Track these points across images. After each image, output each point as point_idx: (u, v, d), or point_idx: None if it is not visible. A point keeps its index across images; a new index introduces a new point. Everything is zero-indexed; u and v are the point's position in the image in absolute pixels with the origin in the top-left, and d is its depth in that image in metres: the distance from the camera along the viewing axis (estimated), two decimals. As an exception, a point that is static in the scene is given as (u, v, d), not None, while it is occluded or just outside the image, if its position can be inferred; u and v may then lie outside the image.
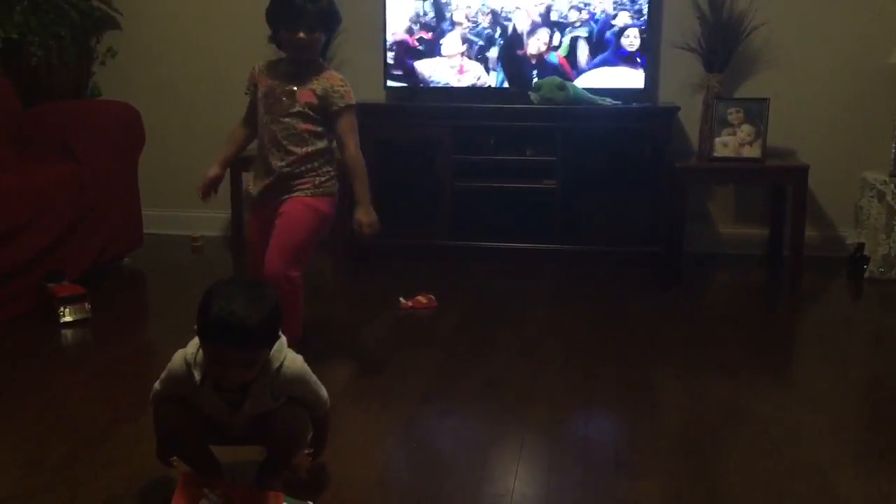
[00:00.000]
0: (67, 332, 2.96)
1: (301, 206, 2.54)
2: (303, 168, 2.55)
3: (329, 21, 2.52)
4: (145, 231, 3.92)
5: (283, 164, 2.54)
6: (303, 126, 2.53)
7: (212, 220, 4.37)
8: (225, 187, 4.05)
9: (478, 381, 2.56)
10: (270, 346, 1.72)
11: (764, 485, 1.95)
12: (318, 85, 2.53)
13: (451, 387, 2.52)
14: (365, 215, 2.57)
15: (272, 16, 2.53)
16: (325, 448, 1.96)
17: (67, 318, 3.00)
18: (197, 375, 1.72)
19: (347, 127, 2.55)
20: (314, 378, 1.85)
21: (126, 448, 2.09)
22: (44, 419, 2.26)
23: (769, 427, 2.27)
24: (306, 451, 1.94)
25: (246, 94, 2.67)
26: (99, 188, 3.51)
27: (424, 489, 1.92)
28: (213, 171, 2.67)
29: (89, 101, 4.16)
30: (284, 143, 2.53)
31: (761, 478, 1.98)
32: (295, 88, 2.53)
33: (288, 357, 1.78)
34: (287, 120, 2.53)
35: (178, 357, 1.76)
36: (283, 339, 1.80)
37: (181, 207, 4.44)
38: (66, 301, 3.01)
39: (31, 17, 3.92)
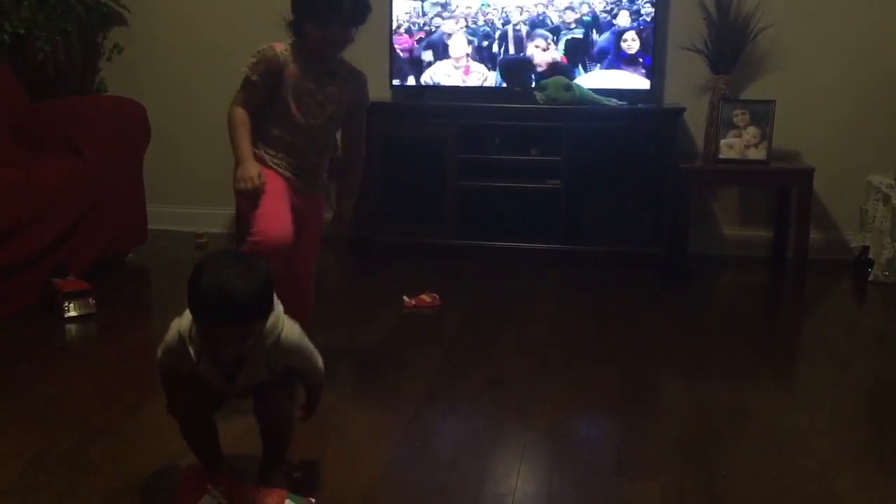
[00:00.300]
0: (71, 327, 2.97)
1: (323, 210, 2.54)
2: (326, 167, 2.50)
3: (363, 14, 2.30)
4: (150, 227, 3.93)
5: (318, 163, 2.44)
6: (336, 128, 2.47)
7: (216, 216, 4.38)
8: (227, 182, 4.07)
9: (481, 380, 2.56)
10: (264, 320, 1.67)
11: (766, 486, 1.94)
12: (353, 86, 2.43)
13: (453, 385, 2.52)
14: (350, 212, 2.55)
15: (301, 6, 2.29)
16: (315, 412, 1.92)
17: (71, 314, 3.01)
18: (192, 352, 1.69)
19: (363, 125, 2.50)
20: (311, 347, 1.81)
21: (129, 443, 2.09)
22: (47, 413, 2.27)
23: (771, 429, 2.26)
24: (299, 416, 1.90)
25: (255, 77, 2.31)
26: (104, 184, 3.51)
27: (427, 488, 1.92)
28: (257, 167, 2.29)
29: (95, 97, 4.17)
30: (321, 144, 2.42)
31: (763, 479, 1.98)
32: (336, 91, 2.38)
33: (285, 327, 1.73)
34: (331, 126, 2.43)
35: (173, 330, 1.73)
36: (280, 307, 1.75)
37: (186, 204, 4.45)
38: (71, 296, 3.02)
39: (38, 13, 3.93)
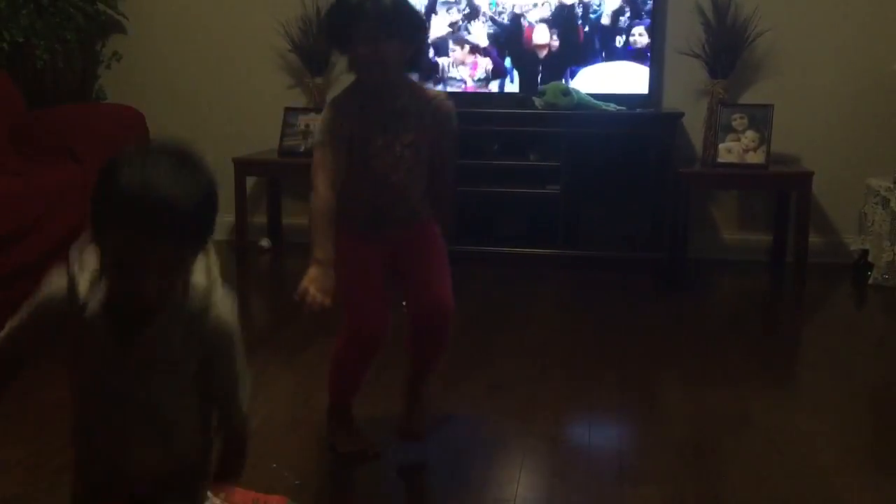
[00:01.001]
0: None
1: (436, 232, 2.14)
2: (421, 197, 2.08)
3: (400, 23, 1.89)
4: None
5: (408, 206, 2.04)
6: (422, 169, 2.02)
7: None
8: (227, 189, 4.07)
9: (481, 385, 2.55)
10: (198, 246, 1.20)
11: (768, 491, 1.94)
12: (431, 120, 2.01)
13: (453, 391, 2.51)
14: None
15: (328, 31, 2.04)
16: (239, 476, 1.40)
17: (71, 322, 3.00)
18: (83, 293, 1.20)
19: (448, 153, 2.07)
20: (241, 348, 1.30)
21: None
22: (49, 420, 2.26)
23: (773, 433, 2.26)
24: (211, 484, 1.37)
25: (329, 144, 1.91)
26: (103, 191, 3.51)
27: (427, 494, 1.92)
28: (330, 279, 1.84)
29: (93, 105, 4.17)
30: (407, 193, 2.03)
31: (765, 484, 1.98)
32: (409, 135, 1.98)
33: (222, 300, 1.26)
34: (414, 173, 2.01)
35: (58, 279, 1.23)
36: (216, 261, 1.28)
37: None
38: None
39: (37, 21, 3.93)
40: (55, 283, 1.23)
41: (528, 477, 2.01)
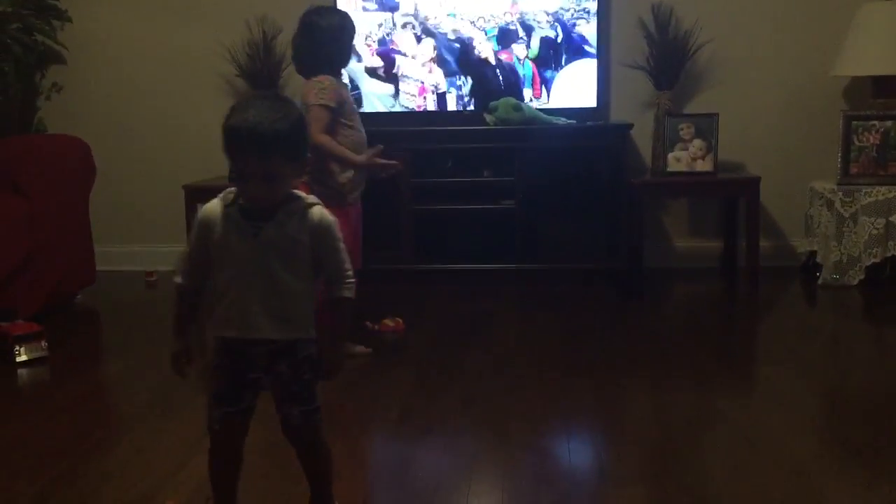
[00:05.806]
0: (24, 372, 2.85)
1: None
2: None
3: None
4: (98, 268, 3.82)
5: None
6: None
7: (165, 253, 4.28)
8: (174, 219, 3.99)
9: (454, 399, 2.53)
10: (292, 162, 1.65)
11: (750, 485, 1.96)
12: None
13: (428, 406, 2.48)
14: None
15: None
16: (343, 346, 1.82)
17: (23, 357, 2.89)
18: (223, 204, 1.66)
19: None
20: (342, 244, 1.73)
21: (90, 489, 2.00)
22: (9, 459, 2.17)
23: (742, 428, 2.29)
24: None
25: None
26: (50, 224, 3.41)
27: (412, 509, 1.89)
28: None
29: (36, 136, 4.06)
30: None
31: (747, 478, 1.99)
32: None
33: (320, 208, 1.70)
34: None
35: (211, 202, 1.72)
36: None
37: (134, 242, 4.34)
38: (22, 340, 2.90)
39: (-28, 53, 3.82)
40: (209, 203, 1.70)
41: (513, 486, 1.99)
